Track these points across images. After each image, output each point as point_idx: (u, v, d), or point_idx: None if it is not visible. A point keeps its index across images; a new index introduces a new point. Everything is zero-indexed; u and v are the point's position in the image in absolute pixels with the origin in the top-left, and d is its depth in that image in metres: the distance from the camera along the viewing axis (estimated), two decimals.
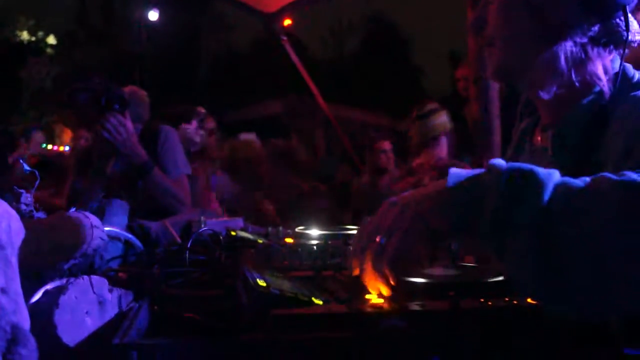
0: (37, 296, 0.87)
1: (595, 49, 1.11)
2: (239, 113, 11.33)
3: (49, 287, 0.91)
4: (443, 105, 3.80)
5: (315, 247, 1.35)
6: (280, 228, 1.62)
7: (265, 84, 17.97)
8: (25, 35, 22.33)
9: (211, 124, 3.95)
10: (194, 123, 3.71)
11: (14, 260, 0.76)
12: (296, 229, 1.62)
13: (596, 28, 1.09)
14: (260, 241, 1.45)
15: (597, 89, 1.12)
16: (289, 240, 1.49)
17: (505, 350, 0.77)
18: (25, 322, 0.74)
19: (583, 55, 1.11)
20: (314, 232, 1.55)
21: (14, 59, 19.21)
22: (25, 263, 1.05)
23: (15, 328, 0.64)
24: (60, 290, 0.85)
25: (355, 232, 1.56)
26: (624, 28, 1.08)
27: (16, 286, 0.74)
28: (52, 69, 19.68)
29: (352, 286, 0.97)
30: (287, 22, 4.87)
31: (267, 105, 12.02)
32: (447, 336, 0.76)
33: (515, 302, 0.83)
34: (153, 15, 18.30)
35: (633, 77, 1.14)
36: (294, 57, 5.00)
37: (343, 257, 1.23)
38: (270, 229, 1.62)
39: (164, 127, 2.73)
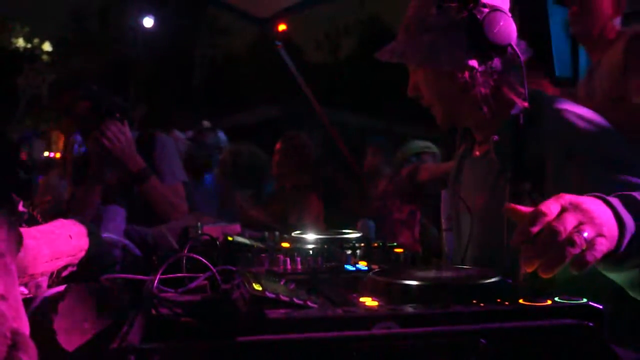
0: (36, 303, 0.88)
1: (504, 78, 1.45)
2: (234, 118, 11.32)
3: (48, 293, 0.92)
4: None
5: (311, 251, 1.37)
6: (277, 232, 1.63)
7: (261, 89, 17.96)
8: (21, 42, 22.28)
9: (209, 139, 3.94)
10: (189, 133, 3.72)
11: (14, 267, 0.78)
12: (292, 233, 1.64)
13: (497, 64, 1.43)
14: (257, 246, 1.46)
15: (517, 106, 1.44)
16: (285, 244, 1.50)
17: (502, 352, 0.78)
18: (25, 328, 0.76)
19: (497, 87, 1.45)
20: (310, 236, 1.56)
21: (10, 66, 19.13)
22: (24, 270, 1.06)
23: (15, 334, 0.65)
24: (59, 297, 0.86)
25: (350, 235, 1.58)
26: (517, 55, 1.41)
27: (16, 293, 0.75)
28: (48, 76, 19.61)
29: (348, 289, 0.99)
30: (282, 27, 4.86)
31: (263, 110, 12.05)
32: (443, 338, 0.77)
33: (507, 303, 0.85)
34: (148, 22, 18.32)
35: (545, 96, 1.49)
36: (288, 63, 5.01)
37: (338, 260, 1.25)
38: (267, 233, 1.63)
39: (160, 135, 2.76)
